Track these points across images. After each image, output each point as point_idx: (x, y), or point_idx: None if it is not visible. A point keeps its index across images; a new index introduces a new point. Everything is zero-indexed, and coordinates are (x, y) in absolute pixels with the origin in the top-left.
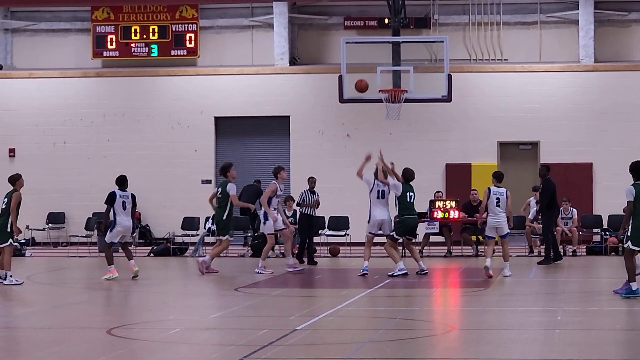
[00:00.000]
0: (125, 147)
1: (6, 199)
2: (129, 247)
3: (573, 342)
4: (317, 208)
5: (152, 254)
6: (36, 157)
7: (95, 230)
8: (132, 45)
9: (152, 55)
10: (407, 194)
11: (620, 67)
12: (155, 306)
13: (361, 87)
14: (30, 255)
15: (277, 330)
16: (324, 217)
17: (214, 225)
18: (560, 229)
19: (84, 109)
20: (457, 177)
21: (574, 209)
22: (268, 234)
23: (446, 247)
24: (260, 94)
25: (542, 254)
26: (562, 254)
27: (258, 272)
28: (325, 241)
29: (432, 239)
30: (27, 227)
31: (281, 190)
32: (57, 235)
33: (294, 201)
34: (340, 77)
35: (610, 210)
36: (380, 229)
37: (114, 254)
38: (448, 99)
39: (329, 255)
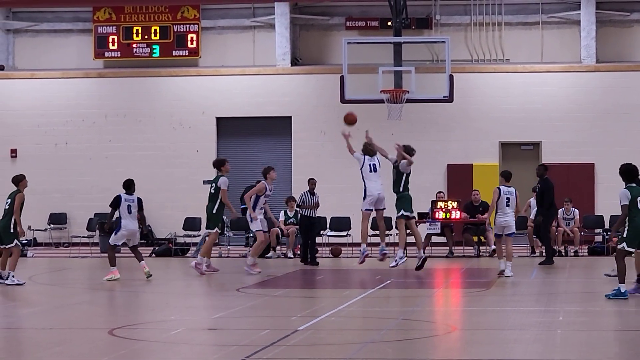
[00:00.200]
0: (127, 147)
1: (9, 200)
2: (138, 249)
3: (575, 342)
4: (316, 209)
5: (153, 255)
6: (38, 158)
7: (98, 231)
8: (134, 45)
9: (153, 55)
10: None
11: (622, 67)
12: (157, 307)
13: (350, 120)
14: (32, 256)
15: (278, 330)
16: (325, 218)
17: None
18: (562, 229)
19: (86, 110)
20: (459, 177)
21: (575, 210)
22: (256, 230)
23: (448, 248)
24: (262, 94)
25: (544, 254)
26: (563, 254)
27: (246, 270)
28: (327, 242)
29: (434, 239)
30: (29, 227)
31: (270, 191)
32: (59, 235)
33: (295, 201)
34: (342, 78)
35: (612, 211)
36: (376, 204)
37: (116, 255)
38: (450, 99)
39: (331, 255)
